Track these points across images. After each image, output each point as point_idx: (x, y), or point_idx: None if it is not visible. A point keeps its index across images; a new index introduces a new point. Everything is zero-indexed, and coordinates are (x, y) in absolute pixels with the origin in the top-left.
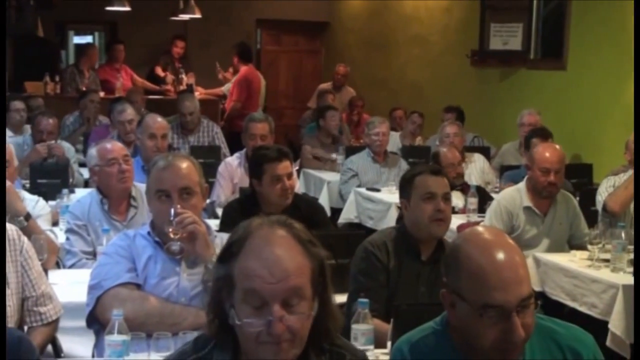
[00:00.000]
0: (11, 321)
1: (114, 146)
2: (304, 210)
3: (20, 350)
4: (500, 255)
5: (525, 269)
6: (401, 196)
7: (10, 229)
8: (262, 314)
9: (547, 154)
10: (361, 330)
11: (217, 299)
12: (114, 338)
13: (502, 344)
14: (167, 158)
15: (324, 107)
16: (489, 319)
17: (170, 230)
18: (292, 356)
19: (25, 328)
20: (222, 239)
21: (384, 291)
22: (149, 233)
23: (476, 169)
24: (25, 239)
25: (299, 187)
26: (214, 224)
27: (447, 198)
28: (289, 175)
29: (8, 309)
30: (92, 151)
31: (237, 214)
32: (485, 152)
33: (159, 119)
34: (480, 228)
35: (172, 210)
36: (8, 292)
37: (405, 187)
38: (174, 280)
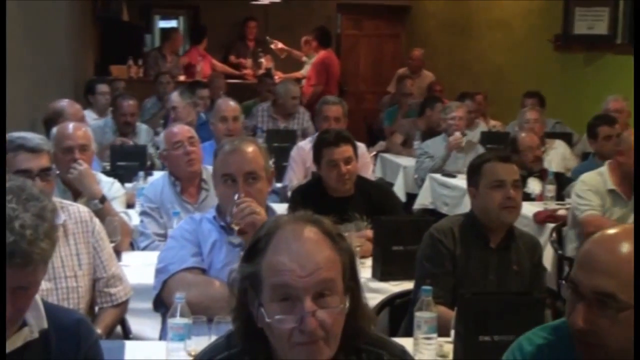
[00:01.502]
0: (82, 302)
1: (179, 129)
2: (375, 196)
3: (79, 331)
4: (611, 243)
5: (623, 270)
6: (469, 184)
7: (83, 210)
8: (293, 311)
9: None
10: (424, 318)
11: (242, 302)
12: (176, 321)
13: (570, 327)
14: (233, 142)
15: (433, 98)
16: (568, 293)
17: (231, 221)
18: (327, 357)
19: (97, 308)
20: None
21: (450, 278)
22: (214, 217)
23: (557, 155)
24: (97, 220)
25: (372, 171)
26: (285, 208)
27: (516, 185)
28: (347, 160)
29: (80, 290)
30: (161, 136)
31: (301, 198)
32: (567, 138)
33: (231, 102)
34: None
35: (235, 198)
36: (80, 273)
37: (473, 174)
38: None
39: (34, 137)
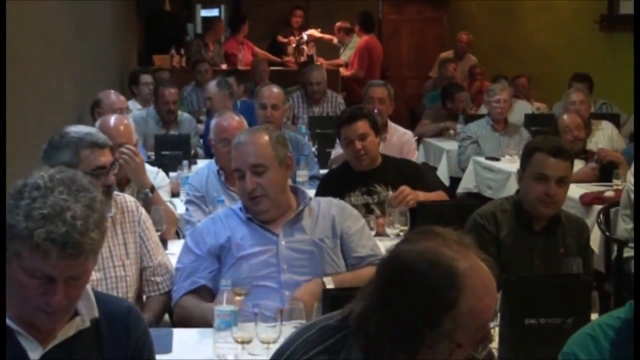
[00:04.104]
0: (131, 290)
1: (228, 125)
2: (405, 170)
3: (129, 320)
4: None
5: None
6: (520, 165)
7: (129, 200)
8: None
9: None
10: None
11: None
12: (222, 308)
13: None
14: (242, 135)
15: (456, 86)
16: None
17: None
18: None
19: (144, 297)
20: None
21: (496, 263)
22: (240, 209)
23: (603, 137)
24: (143, 210)
25: (417, 156)
26: None
27: (562, 182)
28: (361, 137)
29: (128, 279)
30: (212, 122)
31: (329, 180)
32: (614, 119)
33: (274, 89)
34: None
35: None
36: (127, 262)
37: (524, 157)
38: (271, 248)
39: (97, 133)
